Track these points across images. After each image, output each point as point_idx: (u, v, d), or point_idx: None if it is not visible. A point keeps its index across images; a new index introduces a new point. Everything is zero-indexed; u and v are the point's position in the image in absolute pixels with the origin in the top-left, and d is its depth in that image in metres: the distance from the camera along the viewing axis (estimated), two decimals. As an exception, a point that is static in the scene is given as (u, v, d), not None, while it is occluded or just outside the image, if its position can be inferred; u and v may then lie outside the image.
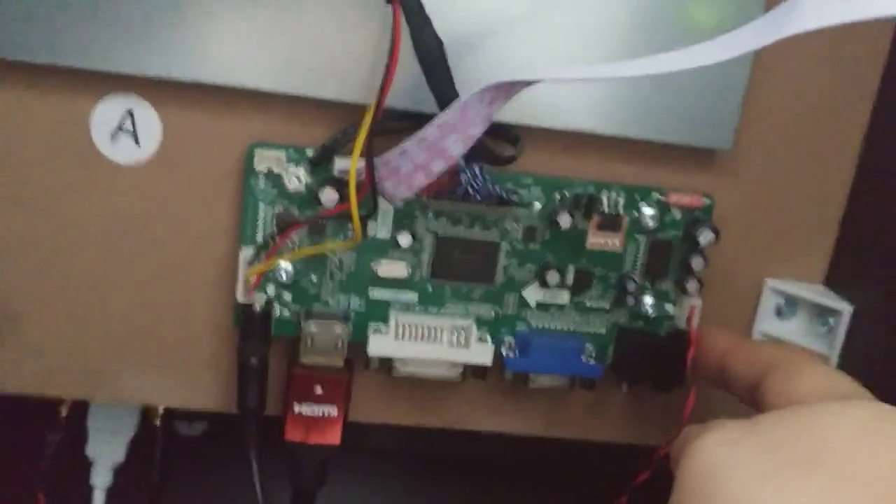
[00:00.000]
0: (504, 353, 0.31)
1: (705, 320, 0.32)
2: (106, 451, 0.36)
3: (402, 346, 0.30)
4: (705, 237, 0.31)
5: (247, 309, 0.30)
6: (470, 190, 0.29)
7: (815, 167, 0.32)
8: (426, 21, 0.26)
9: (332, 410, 0.31)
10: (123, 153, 0.29)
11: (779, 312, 0.33)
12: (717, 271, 0.32)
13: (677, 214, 0.31)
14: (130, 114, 0.29)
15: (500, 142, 0.29)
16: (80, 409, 0.36)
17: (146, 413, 0.37)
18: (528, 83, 0.24)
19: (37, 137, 0.29)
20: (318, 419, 0.31)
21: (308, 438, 0.31)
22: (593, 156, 0.31)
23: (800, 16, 0.19)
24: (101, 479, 0.36)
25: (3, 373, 0.31)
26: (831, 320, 0.32)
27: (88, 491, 0.36)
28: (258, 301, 0.30)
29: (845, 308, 0.32)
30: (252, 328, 0.30)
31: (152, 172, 0.29)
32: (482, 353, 0.31)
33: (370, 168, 0.27)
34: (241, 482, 0.31)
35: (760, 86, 0.30)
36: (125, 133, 0.29)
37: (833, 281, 0.33)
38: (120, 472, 0.37)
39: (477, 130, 0.25)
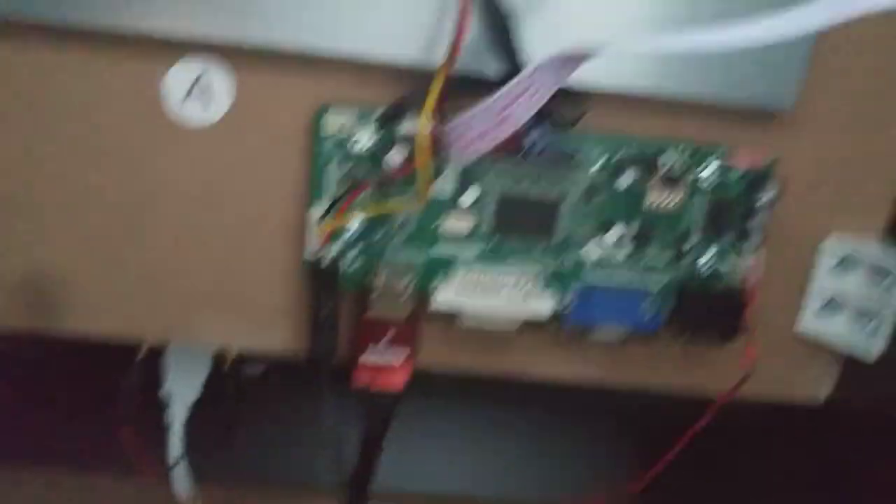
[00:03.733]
0: (564, 308, 0.32)
1: (763, 278, 0.33)
2: (181, 391, 0.38)
3: (465, 299, 0.32)
4: (766, 197, 0.31)
5: (315, 265, 0.31)
6: (534, 150, 0.29)
7: (876, 128, 0.32)
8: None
9: (399, 359, 0.32)
10: (195, 116, 0.30)
11: (837, 271, 0.34)
12: (775, 229, 0.33)
13: (738, 173, 0.31)
14: (201, 78, 0.30)
15: (564, 103, 0.29)
16: (155, 353, 0.38)
17: (217, 359, 0.39)
18: (595, 52, 0.24)
19: (112, 102, 0.30)
20: (385, 367, 0.32)
21: (375, 386, 0.32)
22: (654, 115, 0.31)
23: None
24: (176, 418, 0.39)
25: (88, 318, 0.33)
26: (889, 279, 0.32)
27: (165, 429, 0.38)
28: (326, 257, 0.31)
29: (902, 267, 0.32)
30: (321, 283, 0.31)
31: (222, 134, 0.30)
32: (542, 307, 0.32)
33: (438, 131, 0.27)
34: (306, 424, 0.32)
35: (823, 46, 0.30)
36: (196, 97, 0.30)
37: (893, 240, 0.33)
38: (194, 411, 0.39)
39: (544, 98, 0.25)
